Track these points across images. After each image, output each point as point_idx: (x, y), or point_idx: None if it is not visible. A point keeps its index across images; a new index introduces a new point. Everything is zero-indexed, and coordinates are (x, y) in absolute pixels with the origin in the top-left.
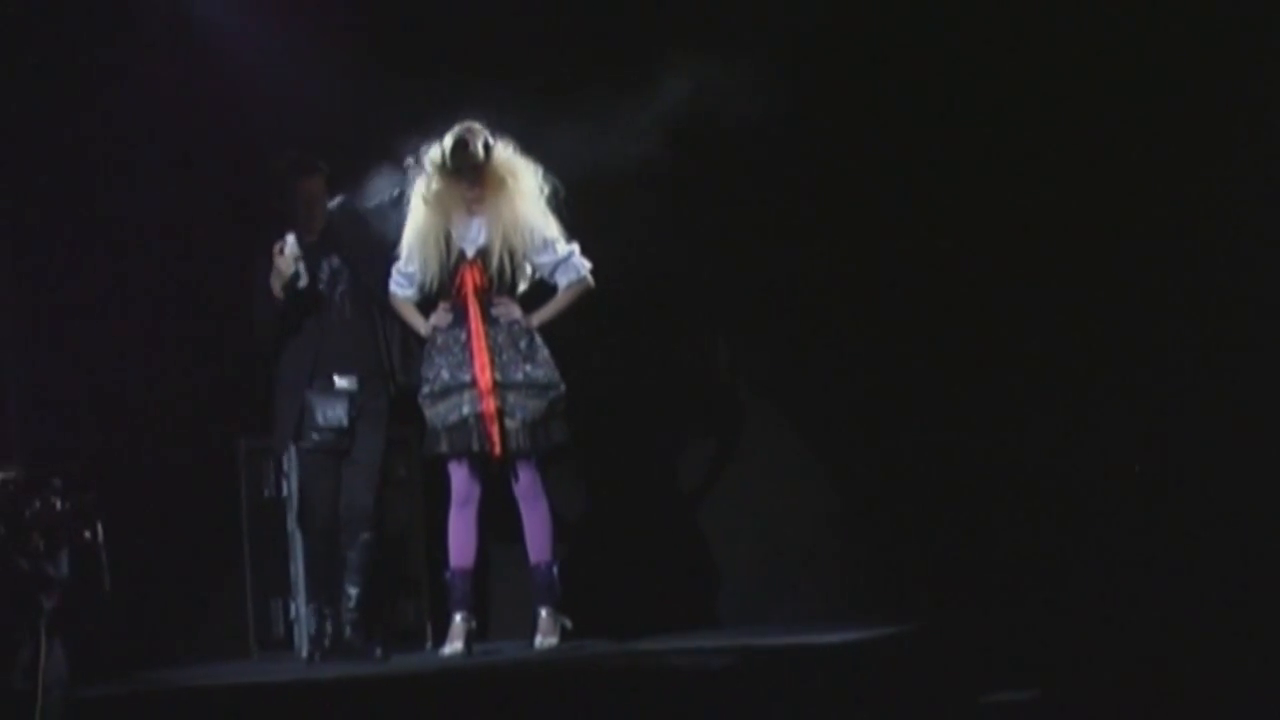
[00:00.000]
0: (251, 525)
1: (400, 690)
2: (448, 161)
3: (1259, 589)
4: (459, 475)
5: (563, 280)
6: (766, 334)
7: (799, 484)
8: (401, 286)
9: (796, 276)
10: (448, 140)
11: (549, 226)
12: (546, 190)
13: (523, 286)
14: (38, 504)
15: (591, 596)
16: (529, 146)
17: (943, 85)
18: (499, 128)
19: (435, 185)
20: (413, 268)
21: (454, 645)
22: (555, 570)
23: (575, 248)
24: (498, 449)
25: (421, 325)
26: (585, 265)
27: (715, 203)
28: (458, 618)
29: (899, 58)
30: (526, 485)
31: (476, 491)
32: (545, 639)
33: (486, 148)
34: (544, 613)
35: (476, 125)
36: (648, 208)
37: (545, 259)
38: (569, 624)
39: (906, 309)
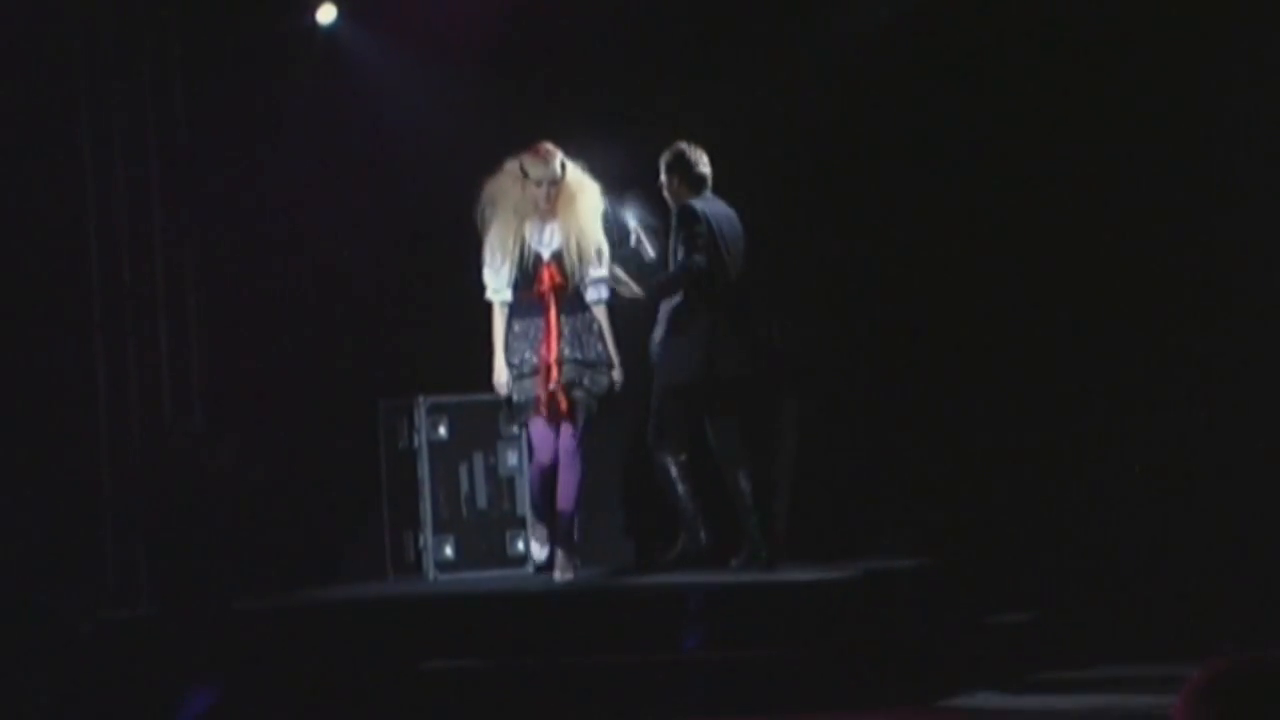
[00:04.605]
0: (389, 470)
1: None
2: (529, 173)
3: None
4: (536, 434)
5: (592, 294)
6: (811, 318)
7: (834, 448)
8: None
9: (837, 265)
10: (528, 156)
11: (602, 242)
12: (600, 209)
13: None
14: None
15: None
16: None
17: (1021, 81)
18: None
19: (514, 194)
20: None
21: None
22: (576, 519)
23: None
24: (564, 411)
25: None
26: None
27: (790, 202)
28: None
29: (969, 56)
30: (569, 447)
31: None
32: (563, 574)
33: (562, 165)
34: (561, 552)
35: (553, 146)
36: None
37: (593, 272)
38: (579, 563)
39: (918, 309)
